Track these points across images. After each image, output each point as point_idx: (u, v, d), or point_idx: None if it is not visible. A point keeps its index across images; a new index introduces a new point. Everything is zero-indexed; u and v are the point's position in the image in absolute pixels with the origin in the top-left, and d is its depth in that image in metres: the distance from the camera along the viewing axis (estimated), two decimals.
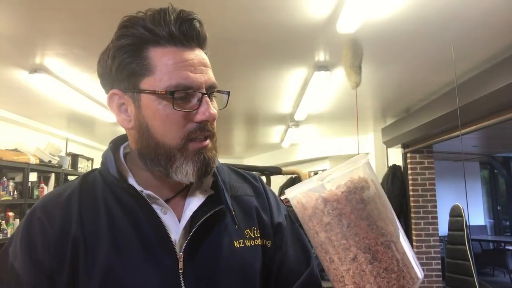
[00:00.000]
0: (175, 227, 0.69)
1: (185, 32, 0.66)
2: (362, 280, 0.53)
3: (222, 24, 2.38)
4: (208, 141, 0.69)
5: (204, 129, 0.67)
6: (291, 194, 0.60)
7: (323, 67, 3.08)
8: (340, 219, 0.54)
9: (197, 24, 0.68)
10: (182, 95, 0.65)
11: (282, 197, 0.61)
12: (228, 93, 0.73)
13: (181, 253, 0.66)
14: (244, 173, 0.86)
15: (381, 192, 0.57)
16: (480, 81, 3.05)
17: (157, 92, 0.65)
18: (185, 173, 0.67)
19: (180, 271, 0.66)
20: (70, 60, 2.88)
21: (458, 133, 3.65)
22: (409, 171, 4.76)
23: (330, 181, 0.56)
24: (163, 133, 0.66)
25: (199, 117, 0.66)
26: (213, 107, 0.68)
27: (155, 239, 0.67)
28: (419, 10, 2.21)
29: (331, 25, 2.34)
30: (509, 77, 2.70)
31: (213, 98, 0.71)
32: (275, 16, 2.28)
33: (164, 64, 0.65)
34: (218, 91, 0.71)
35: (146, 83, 0.66)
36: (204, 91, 0.67)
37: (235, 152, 8.44)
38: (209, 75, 0.68)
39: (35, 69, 3.01)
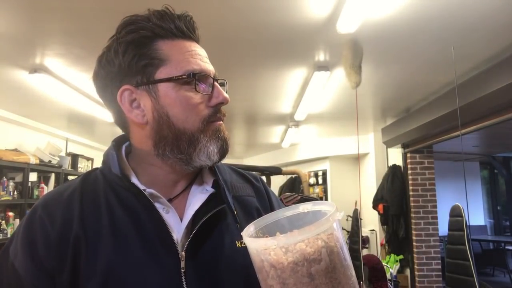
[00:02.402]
0: (177, 226, 0.69)
1: (187, 27, 0.72)
2: None
3: (222, 24, 2.38)
4: (221, 122, 0.73)
5: (220, 112, 0.72)
6: (245, 236, 0.58)
7: (323, 67, 3.08)
8: (282, 287, 0.52)
9: (193, 21, 0.73)
10: (201, 78, 0.70)
11: (243, 233, 0.60)
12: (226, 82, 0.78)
13: (182, 253, 0.66)
14: (245, 173, 0.86)
15: (337, 265, 0.53)
16: (480, 81, 3.05)
17: (179, 77, 0.68)
18: (208, 153, 0.70)
19: (182, 271, 0.66)
20: (70, 60, 2.88)
21: (458, 133, 3.65)
22: (409, 171, 4.76)
23: (278, 246, 0.52)
24: (185, 119, 0.69)
25: (215, 100, 0.71)
26: None
27: (157, 238, 0.66)
28: (419, 10, 2.22)
29: (331, 25, 2.34)
30: (509, 77, 2.70)
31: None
32: (275, 16, 2.28)
33: (177, 53, 0.70)
34: (220, 79, 0.76)
35: (163, 73, 0.68)
36: (214, 77, 0.72)
37: (235, 152, 8.44)
38: (212, 66, 0.74)
39: (35, 69, 3.01)
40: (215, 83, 0.72)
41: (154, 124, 0.69)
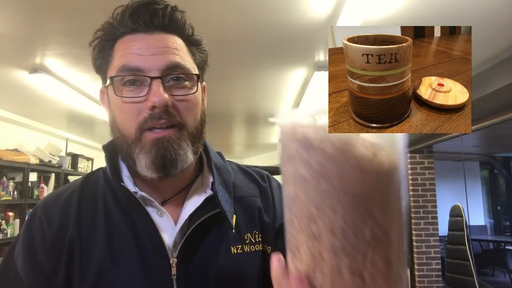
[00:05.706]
0: (172, 230, 0.67)
1: (137, 18, 0.64)
2: (316, 265, 0.37)
3: (222, 24, 2.38)
4: (170, 131, 0.62)
5: (158, 117, 0.61)
6: (282, 118, 0.40)
7: (323, 67, 3.08)
8: (318, 181, 0.35)
9: (155, 7, 0.64)
10: (127, 80, 0.63)
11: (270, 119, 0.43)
12: (197, 76, 0.67)
13: (174, 259, 0.64)
14: (252, 172, 0.82)
15: (399, 176, 0.37)
16: (480, 81, 3.05)
17: (110, 79, 0.65)
18: (142, 166, 0.63)
19: (174, 277, 0.64)
20: (70, 60, 2.88)
21: (458, 133, 3.65)
22: (409, 171, 4.76)
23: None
24: (122, 124, 0.65)
25: (148, 103, 0.61)
26: (180, 91, 0.64)
27: (149, 243, 0.65)
28: (419, 10, 2.21)
29: (331, 25, 2.34)
30: (509, 77, 2.71)
31: (185, 82, 0.65)
32: (275, 16, 2.28)
33: (117, 52, 0.66)
34: (184, 74, 0.65)
35: (108, 75, 0.67)
36: (155, 75, 0.62)
37: (235, 152, 8.43)
38: (166, 57, 0.63)
39: (35, 69, 3.00)
40: (154, 82, 0.61)
41: (110, 126, 0.69)
